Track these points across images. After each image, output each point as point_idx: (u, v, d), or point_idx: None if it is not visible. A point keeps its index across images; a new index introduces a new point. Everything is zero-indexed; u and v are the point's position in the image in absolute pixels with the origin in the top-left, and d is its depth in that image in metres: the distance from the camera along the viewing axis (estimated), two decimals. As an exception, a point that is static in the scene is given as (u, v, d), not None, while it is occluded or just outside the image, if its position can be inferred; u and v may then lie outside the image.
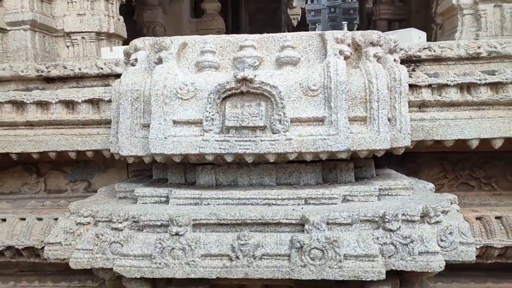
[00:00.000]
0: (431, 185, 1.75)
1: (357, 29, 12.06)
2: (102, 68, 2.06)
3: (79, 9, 2.82)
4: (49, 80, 2.10)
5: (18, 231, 2.01)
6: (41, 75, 2.07)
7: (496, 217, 1.89)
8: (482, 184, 2.06)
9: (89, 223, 1.48)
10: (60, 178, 2.22)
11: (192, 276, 1.28)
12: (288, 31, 13.57)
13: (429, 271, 1.30)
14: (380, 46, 1.59)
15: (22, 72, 2.07)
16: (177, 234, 1.30)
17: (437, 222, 1.39)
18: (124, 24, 3.07)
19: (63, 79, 2.09)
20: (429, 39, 3.00)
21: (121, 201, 1.61)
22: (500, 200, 2.00)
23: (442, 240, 1.37)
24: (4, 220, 2.04)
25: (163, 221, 1.35)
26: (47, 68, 2.07)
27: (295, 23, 14.97)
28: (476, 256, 1.92)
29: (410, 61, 1.93)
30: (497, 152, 1.97)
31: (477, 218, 1.90)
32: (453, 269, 2.05)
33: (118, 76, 2.09)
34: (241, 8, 8.51)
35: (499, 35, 2.60)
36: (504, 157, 2.02)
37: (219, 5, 6.31)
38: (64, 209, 2.09)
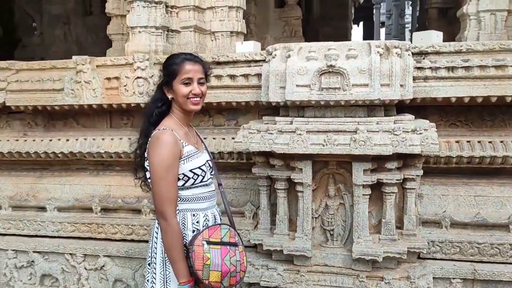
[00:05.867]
0: (428, 121, 3.25)
1: (419, 11, 12.86)
2: (247, 57, 3.69)
3: (220, 17, 4.48)
4: (218, 63, 3.77)
5: (211, 143, 3.76)
6: (214, 60, 3.76)
7: (467, 141, 3.35)
8: (463, 124, 3.50)
9: (255, 132, 3.15)
10: (221, 118, 3.93)
11: (307, 152, 2.90)
12: (354, 8, 14.67)
13: (412, 152, 2.84)
14: (400, 48, 3.11)
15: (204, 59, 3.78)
16: (299, 134, 2.93)
17: (420, 133, 2.90)
18: (245, 24, 4.75)
19: (225, 63, 3.74)
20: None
21: (267, 124, 3.28)
22: (472, 133, 3.45)
23: (422, 141, 2.86)
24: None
25: (292, 129, 2.97)
26: (217, 56, 3.75)
27: (361, 0, 15.99)
28: (454, 163, 3.43)
29: (422, 54, 3.35)
30: (472, 106, 3.42)
31: (456, 142, 3.38)
32: (443, 172, 3.56)
33: (256, 61, 3.72)
34: (312, -5, 9.86)
35: (493, 33, 3.95)
36: (477, 109, 3.46)
37: (298, -3, 7.77)
38: (226, 134, 3.84)
